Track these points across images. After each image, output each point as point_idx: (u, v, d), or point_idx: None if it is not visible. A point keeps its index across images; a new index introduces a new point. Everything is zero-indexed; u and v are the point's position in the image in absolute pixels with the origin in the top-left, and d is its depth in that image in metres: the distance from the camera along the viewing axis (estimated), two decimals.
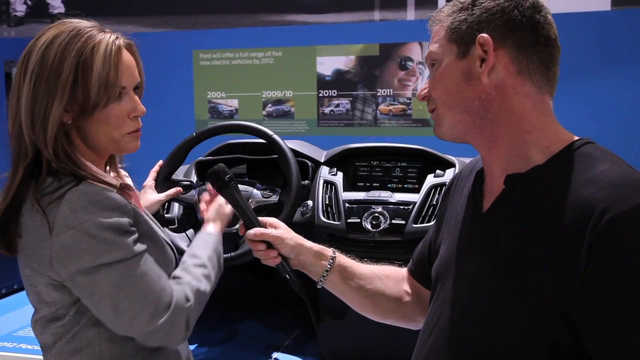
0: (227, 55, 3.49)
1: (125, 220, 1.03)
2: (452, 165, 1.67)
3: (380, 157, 1.75)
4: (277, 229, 1.22)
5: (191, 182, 1.70)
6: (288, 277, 1.19)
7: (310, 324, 1.22)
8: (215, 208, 1.33)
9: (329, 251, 1.24)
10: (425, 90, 1.04)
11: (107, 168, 1.19)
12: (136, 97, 1.12)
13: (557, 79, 0.98)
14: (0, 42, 3.67)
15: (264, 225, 1.22)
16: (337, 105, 3.44)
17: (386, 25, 3.32)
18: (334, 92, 3.41)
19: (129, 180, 1.26)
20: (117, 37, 1.08)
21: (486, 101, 0.96)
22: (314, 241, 1.25)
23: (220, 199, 1.34)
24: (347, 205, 1.61)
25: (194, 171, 1.78)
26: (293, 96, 3.49)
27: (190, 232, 1.59)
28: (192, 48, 3.50)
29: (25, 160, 1.05)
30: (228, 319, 1.96)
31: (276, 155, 1.62)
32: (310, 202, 1.62)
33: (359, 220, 1.57)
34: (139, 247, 1.05)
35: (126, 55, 1.10)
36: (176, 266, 1.18)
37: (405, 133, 3.30)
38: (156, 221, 1.23)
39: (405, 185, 1.70)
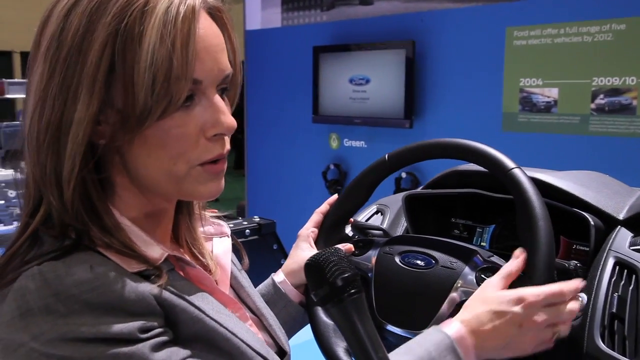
0: (549, 32, 2.85)
1: (132, 326, 0.58)
2: None
3: None
4: None
5: (383, 230, 1.10)
6: None
7: None
8: None
9: None
10: None
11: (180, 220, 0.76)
12: (221, 101, 0.66)
13: None
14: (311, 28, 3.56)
15: None
16: None
17: None
18: None
19: (224, 236, 0.82)
20: None
21: None
22: None
23: None
24: None
25: (403, 213, 1.17)
26: (636, 84, 2.68)
27: None
28: (506, 24, 2.95)
29: (28, 207, 0.64)
30: None
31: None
32: (584, 297, 0.87)
33: None
34: (164, 354, 0.59)
35: (206, 25, 0.63)
36: None
37: None
38: (264, 312, 0.79)
39: None
